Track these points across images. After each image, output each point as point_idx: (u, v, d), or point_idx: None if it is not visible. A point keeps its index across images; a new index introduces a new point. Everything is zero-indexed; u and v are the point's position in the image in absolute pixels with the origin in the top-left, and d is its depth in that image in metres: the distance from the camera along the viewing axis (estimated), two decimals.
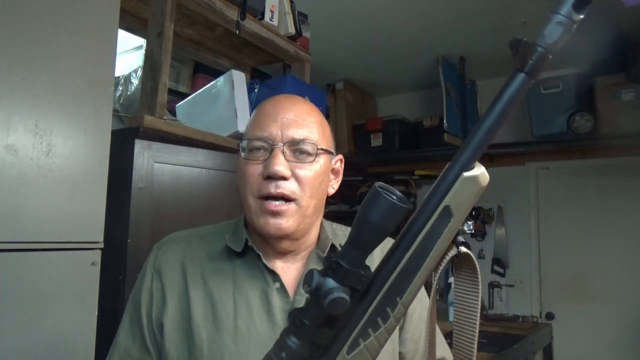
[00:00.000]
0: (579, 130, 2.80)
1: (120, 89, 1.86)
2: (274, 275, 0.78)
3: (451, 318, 1.09)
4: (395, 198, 0.45)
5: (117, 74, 1.80)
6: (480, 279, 0.49)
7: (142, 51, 1.83)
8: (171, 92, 1.92)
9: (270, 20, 1.86)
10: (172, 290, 0.78)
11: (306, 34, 2.15)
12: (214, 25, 1.76)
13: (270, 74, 2.70)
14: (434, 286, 0.47)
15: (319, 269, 0.48)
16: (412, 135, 3.44)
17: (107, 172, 1.12)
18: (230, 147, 1.60)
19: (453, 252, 0.47)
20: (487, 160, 3.19)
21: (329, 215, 0.87)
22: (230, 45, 1.97)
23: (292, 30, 1.98)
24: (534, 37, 0.43)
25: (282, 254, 0.81)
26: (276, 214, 0.74)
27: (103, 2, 1.14)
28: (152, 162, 1.35)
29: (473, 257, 0.49)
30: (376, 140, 3.45)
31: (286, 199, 0.74)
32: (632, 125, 2.60)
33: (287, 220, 0.74)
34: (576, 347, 2.97)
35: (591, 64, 2.82)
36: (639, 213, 2.87)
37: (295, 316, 0.49)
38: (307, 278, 0.47)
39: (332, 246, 0.82)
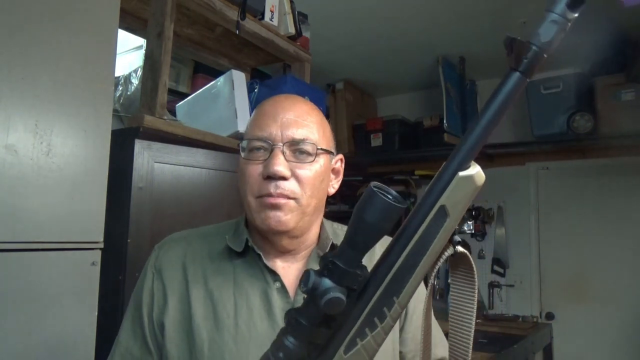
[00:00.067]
0: (579, 130, 2.79)
1: (120, 89, 1.86)
2: (275, 275, 0.78)
3: None
4: (390, 197, 0.45)
5: (117, 74, 1.80)
6: (476, 279, 0.49)
7: (142, 51, 1.83)
8: (171, 92, 1.92)
9: (270, 20, 1.86)
10: (173, 290, 0.79)
11: (306, 34, 2.15)
12: (214, 25, 1.76)
13: (270, 74, 2.70)
14: (429, 285, 0.47)
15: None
16: (412, 135, 3.43)
17: (107, 172, 1.12)
18: (230, 147, 1.60)
19: (449, 251, 0.47)
20: (487, 160, 3.19)
21: (329, 215, 0.87)
22: (230, 45, 1.97)
23: (292, 30, 1.98)
24: (530, 36, 0.43)
25: (283, 253, 0.81)
26: (275, 206, 0.74)
27: (103, 2, 1.14)
28: (152, 162, 1.35)
29: (469, 256, 0.49)
30: (376, 140, 3.44)
31: (286, 198, 0.74)
32: (632, 125, 2.59)
33: (285, 214, 0.74)
34: (576, 347, 2.97)
35: (591, 64, 2.82)
36: (639, 213, 2.86)
37: (292, 316, 0.49)
38: (303, 278, 0.47)
39: (333, 246, 0.82)
